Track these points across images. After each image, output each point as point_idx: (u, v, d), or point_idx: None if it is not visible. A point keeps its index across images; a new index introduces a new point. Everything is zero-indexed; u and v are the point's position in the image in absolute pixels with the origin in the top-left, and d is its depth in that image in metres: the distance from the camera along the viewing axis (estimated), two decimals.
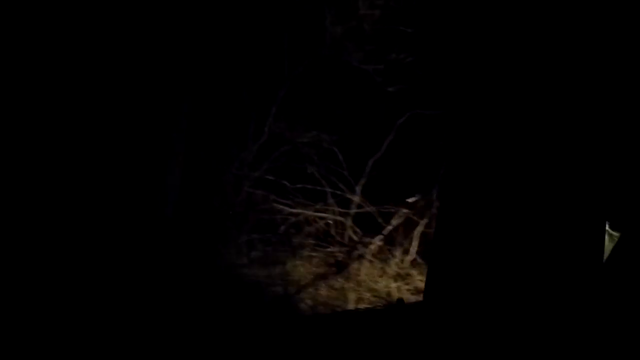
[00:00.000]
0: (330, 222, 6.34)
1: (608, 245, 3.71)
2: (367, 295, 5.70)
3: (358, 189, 6.42)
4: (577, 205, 3.46)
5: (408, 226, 6.16)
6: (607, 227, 3.86)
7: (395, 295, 5.64)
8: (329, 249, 6.19)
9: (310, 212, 6.32)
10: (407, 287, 5.81)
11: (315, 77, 6.73)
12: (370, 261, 6.03)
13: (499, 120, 3.52)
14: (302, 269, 6.07)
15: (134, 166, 6.43)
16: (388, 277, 5.95)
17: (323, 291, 5.87)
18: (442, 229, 3.79)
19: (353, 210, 6.37)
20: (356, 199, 6.41)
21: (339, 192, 6.49)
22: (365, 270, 5.95)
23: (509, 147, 3.49)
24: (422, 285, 5.08)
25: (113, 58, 6.25)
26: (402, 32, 6.34)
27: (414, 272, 5.92)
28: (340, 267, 6.04)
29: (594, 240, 3.53)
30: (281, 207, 6.33)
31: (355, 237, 6.24)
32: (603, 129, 3.47)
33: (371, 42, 6.49)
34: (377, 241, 6.10)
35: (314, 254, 6.21)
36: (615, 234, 4.29)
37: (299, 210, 6.31)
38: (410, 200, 6.16)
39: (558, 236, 3.45)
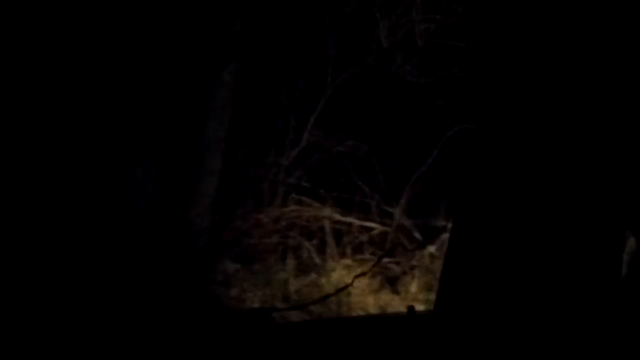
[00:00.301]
0: (375, 232, 6.23)
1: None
2: (420, 308, 5.58)
3: (403, 200, 6.33)
4: (597, 213, 3.43)
5: None
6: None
7: None
8: (373, 259, 6.05)
9: (355, 221, 6.19)
10: None
11: (359, 87, 6.66)
12: (420, 274, 5.92)
13: (514, 126, 3.51)
14: (344, 277, 5.92)
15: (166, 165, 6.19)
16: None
17: (370, 300, 5.73)
18: (455, 238, 3.76)
19: (398, 222, 6.27)
20: (398, 211, 6.32)
21: (382, 204, 6.40)
22: (415, 283, 5.83)
23: (525, 155, 3.46)
24: None
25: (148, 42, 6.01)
26: (454, 46, 6.32)
27: None
28: (387, 278, 5.92)
29: (613, 249, 3.50)
30: (322, 214, 6.18)
31: (402, 249, 6.14)
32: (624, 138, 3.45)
33: (421, 55, 6.47)
34: (427, 254, 6.00)
35: (354, 263, 6.06)
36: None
37: (343, 218, 6.18)
38: None
39: (573, 247, 3.42)
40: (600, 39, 3.42)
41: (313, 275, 5.89)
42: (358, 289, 5.68)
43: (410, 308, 4.94)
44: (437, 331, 3.65)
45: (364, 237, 6.17)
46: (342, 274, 5.89)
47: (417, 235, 6.39)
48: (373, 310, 5.58)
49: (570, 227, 3.42)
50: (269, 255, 6.05)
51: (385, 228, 6.28)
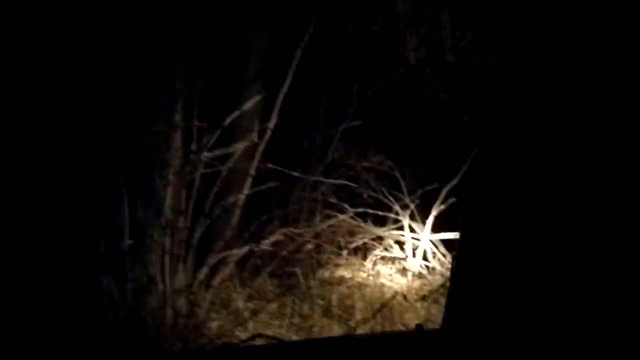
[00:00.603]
0: (406, 244, 6.23)
1: None
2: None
3: (433, 214, 6.36)
4: (611, 225, 3.40)
5: None
6: None
7: None
8: (410, 271, 6.05)
9: (389, 234, 6.18)
10: None
11: (386, 102, 6.70)
12: None
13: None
14: (383, 288, 5.89)
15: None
16: None
17: (410, 314, 5.70)
18: (463, 254, 3.73)
19: (428, 235, 6.29)
20: (428, 224, 6.34)
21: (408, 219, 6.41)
22: None
23: (535, 167, 3.43)
24: None
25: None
26: (482, 62, 6.39)
27: None
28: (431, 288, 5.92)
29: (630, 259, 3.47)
30: (359, 228, 6.16)
31: (435, 261, 6.15)
32: None
33: (448, 71, 6.54)
34: None
35: (391, 275, 6.05)
36: None
37: (378, 231, 6.17)
38: None
39: (585, 262, 3.39)
40: (615, 48, 3.42)
41: (352, 288, 5.85)
42: (394, 301, 5.66)
43: (419, 326, 4.92)
44: (445, 350, 3.58)
45: (395, 249, 6.15)
46: (380, 285, 5.86)
47: (442, 249, 6.42)
48: (419, 320, 5.54)
49: (582, 240, 3.35)
50: (305, 269, 5.99)
51: (416, 242, 6.29)
